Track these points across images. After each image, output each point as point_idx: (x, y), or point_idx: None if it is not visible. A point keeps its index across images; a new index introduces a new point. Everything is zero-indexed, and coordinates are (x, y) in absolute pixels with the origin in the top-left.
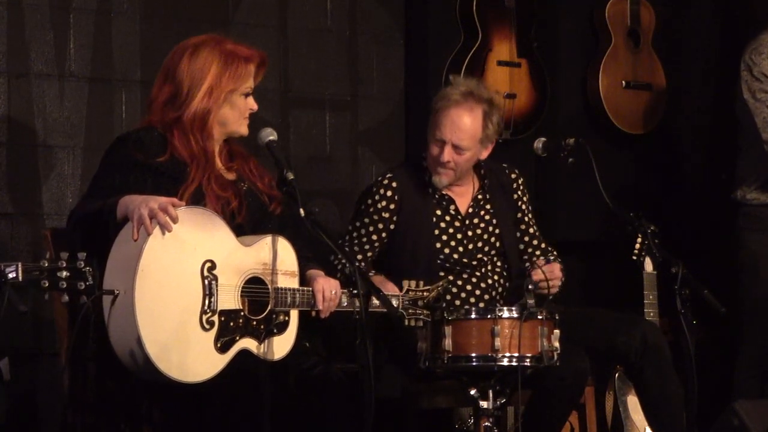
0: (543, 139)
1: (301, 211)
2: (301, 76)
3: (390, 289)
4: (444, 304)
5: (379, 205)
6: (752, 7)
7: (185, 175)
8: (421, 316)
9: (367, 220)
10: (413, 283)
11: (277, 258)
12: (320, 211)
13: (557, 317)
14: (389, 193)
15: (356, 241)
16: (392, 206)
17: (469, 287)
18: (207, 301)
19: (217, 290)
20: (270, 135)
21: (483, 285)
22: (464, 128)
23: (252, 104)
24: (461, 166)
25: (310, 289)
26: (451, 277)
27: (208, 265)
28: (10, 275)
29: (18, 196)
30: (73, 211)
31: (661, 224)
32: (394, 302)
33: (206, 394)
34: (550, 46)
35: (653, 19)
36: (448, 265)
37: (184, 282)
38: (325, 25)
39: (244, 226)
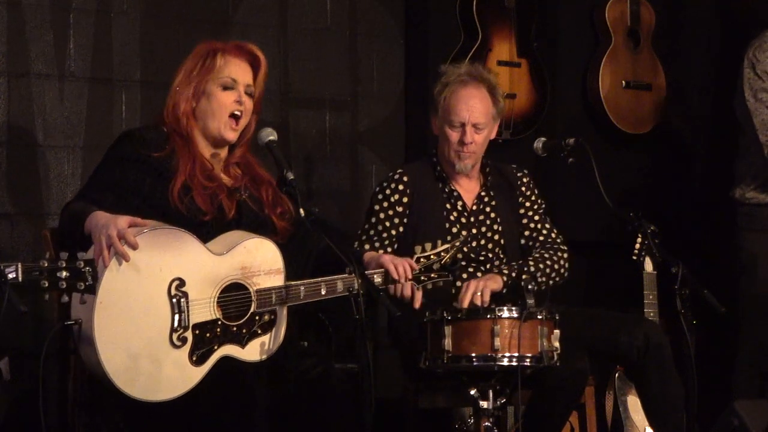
0: (543, 139)
1: (302, 211)
2: (301, 76)
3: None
4: (462, 264)
5: (392, 199)
6: (752, 6)
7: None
8: (438, 279)
9: (382, 216)
10: (428, 246)
11: (257, 259)
12: (320, 210)
13: (557, 317)
14: (401, 187)
15: (375, 237)
16: (405, 199)
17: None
18: (177, 319)
19: (188, 306)
20: (270, 135)
21: None
22: (479, 106)
23: (228, 99)
24: (480, 147)
25: (297, 283)
26: (464, 233)
27: (176, 283)
28: (10, 275)
29: (18, 196)
30: (67, 205)
31: (661, 224)
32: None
33: (197, 403)
34: (550, 46)
35: (653, 19)
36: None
37: (150, 305)
38: (325, 25)
39: (238, 226)
